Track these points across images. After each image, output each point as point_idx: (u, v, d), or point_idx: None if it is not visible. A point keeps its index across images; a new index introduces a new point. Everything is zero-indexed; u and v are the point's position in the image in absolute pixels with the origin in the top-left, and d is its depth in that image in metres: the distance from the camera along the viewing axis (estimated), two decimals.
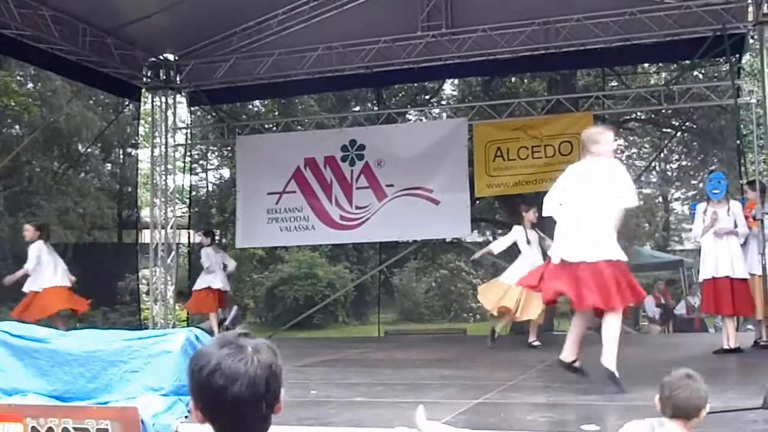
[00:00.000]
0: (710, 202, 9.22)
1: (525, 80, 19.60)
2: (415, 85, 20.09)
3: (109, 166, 23.68)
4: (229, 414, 2.00)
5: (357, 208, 14.60)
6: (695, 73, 17.84)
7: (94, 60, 13.47)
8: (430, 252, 24.94)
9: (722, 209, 9.09)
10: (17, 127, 19.37)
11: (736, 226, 9.08)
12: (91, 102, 21.14)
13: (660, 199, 30.61)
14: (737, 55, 13.10)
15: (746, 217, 9.18)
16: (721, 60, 14.03)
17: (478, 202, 18.19)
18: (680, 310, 17.79)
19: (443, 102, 22.45)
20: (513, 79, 19.39)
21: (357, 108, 20.89)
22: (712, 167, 23.34)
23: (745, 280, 9.01)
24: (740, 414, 5.13)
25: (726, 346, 9.11)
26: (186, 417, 5.57)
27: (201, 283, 13.34)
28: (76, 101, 19.39)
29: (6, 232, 10.09)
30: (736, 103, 13.31)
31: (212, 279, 13.19)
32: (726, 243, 9.03)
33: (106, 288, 17.12)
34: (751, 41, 12.86)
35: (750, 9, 12.04)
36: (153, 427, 5.25)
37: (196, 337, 6.18)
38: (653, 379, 7.16)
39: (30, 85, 20.35)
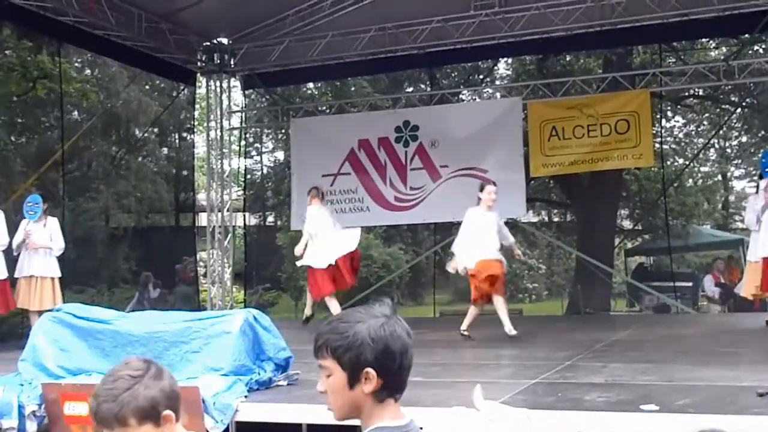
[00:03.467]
0: None
1: (580, 58, 19.35)
2: (469, 65, 19.98)
3: (165, 150, 23.94)
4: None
5: (411, 189, 14.62)
6: (756, 47, 17.46)
7: (149, 45, 13.65)
8: None
9: None
10: (76, 113, 19.65)
11: None
12: (147, 87, 21.38)
13: (719, 177, 30.10)
14: None
15: None
16: None
17: (533, 182, 18.09)
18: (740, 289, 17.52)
19: (497, 81, 22.26)
20: (567, 57, 19.14)
21: (410, 89, 20.83)
22: None
23: None
24: None
25: None
26: (246, 397, 5.65)
27: None
28: (133, 86, 19.65)
29: (67, 217, 10.31)
30: None
31: None
32: None
33: (164, 270, 17.36)
34: None
35: None
36: (214, 406, 5.34)
37: (255, 318, 6.27)
38: (711, 358, 7.12)
39: (87, 71, 20.64)
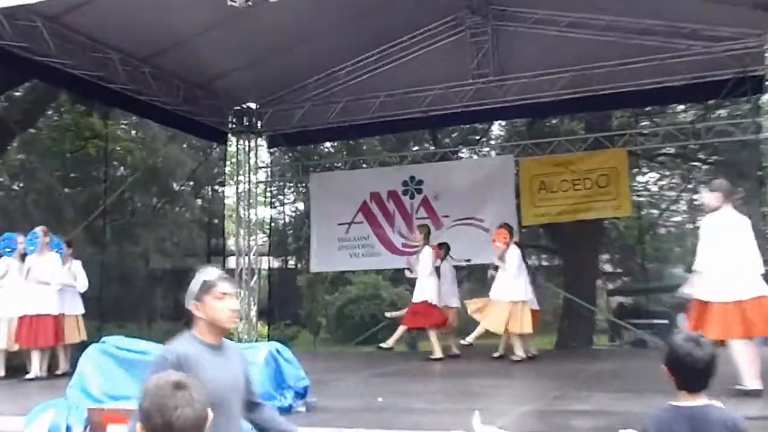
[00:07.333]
0: None
1: (565, 120, 19.40)
2: (467, 126, 20.04)
3: (199, 201, 23.96)
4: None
5: None
6: (719, 111, 17.52)
7: (186, 109, 13.72)
8: (481, 275, 24.77)
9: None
10: (122, 168, 19.76)
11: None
12: (184, 146, 21.49)
13: (689, 225, 30.04)
14: (757, 95, 12.88)
15: None
16: (743, 99, 13.75)
17: (524, 230, 18.05)
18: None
19: (492, 141, 22.32)
20: (554, 120, 19.21)
21: (415, 147, 20.89)
22: (737, 197, 22.86)
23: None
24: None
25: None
26: None
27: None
28: (172, 145, 19.76)
29: (111, 259, 10.37)
30: (758, 138, 13.08)
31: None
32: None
33: None
34: None
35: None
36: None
37: (277, 351, 6.24)
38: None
39: (132, 132, 20.79)
